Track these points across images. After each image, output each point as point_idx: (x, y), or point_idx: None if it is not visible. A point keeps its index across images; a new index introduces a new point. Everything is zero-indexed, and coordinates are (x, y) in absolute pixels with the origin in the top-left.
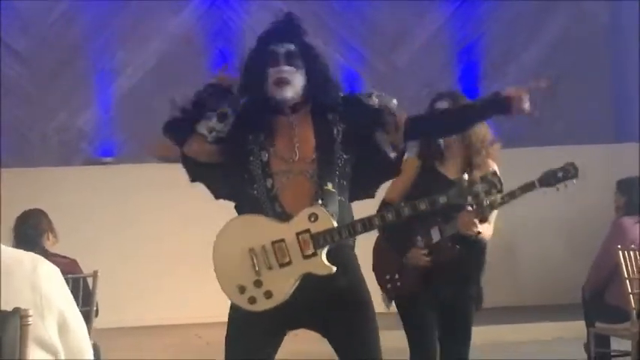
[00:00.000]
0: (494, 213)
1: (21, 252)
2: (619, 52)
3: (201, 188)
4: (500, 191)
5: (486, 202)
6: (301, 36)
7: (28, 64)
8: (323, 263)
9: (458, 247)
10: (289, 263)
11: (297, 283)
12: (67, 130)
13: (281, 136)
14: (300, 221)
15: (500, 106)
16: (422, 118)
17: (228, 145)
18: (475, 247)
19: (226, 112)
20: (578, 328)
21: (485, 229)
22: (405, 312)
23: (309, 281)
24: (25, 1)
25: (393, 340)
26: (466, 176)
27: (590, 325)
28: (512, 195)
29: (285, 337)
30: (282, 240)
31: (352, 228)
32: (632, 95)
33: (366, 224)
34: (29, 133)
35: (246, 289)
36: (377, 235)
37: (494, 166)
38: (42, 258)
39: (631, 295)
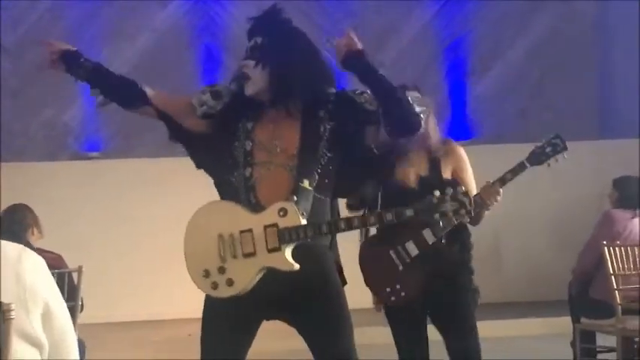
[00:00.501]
0: (471, 173)
1: (5, 243)
2: (605, 50)
3: (189, 182)
4: (469, 212)
5: (455, 220)
6: (278, 28)
7: (14, 60)
8: (285, 259)
9: (455, 244)
10: (253, 254)
11: (259, 275)
12: (53, 125)
13: (267, 128)
14: (270, 214)
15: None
16: None
17: (216, 124)
18: (461, 234)
19: (221, 91)
20: (563, 324)
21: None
22: (399, 323)
23: (279, 273)
24: None
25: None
26: (437, 193)
27: (575, 321)
28: (503, 180)
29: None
30: (250, 230)
31: (318, 228)
32: (617, 93)
33: (332, 226)
34: (15, 128)
35: (210, 274)
36: (359, 245)
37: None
38: (26, 249)
39: (616, 291)
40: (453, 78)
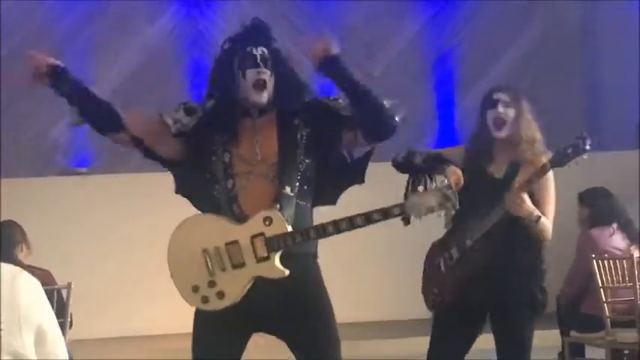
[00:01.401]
0: (551, 194)
1: (1, 265)
2: (594, 59)
3: (178, 197)
4: (454, 205)
5: (440, 214)
6: (271, 40)
7: (2, 74)
8: (275, 267)
9: (492, 248)
10: (243, 265)
11: (249, 285)
12: (41, 141)
13: (244, 138)
14: (255, 224)
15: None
16: None
17: (190, 141)
18: (530, 244)
19: (194, 107)
20: (552, 336)
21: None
22: (434, 324)
23: (268, 286)
24: (0, 10)
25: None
26: (421, 189)
27: (564, 333)
28: (530, 182)
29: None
30: (236, 242)
31: (306, 234)
32: (605, 103)
33: (320, 231)
34: (3, 143)
35: (200, 289)
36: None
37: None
38: (22, 270)
39: (605, 304)
40: (442, 89)
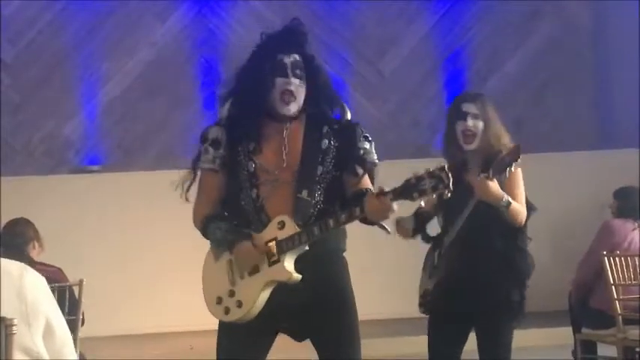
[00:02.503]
0: (516, 181)
1: (7, 261)
2: (603, 60)
3: (189, 196)
4: (447, 186)
5: (434, 196)
6: (305, 46)
7: (14, 73)
8: (284, 269)
9: (466, 250)
10: (257, 271)
11: (265, 292)
12: (53, 139)
13: (271, 145)
14: (270, 229)
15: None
16: None
17: (228, 162)
18: (506, 235)
19: (217, 138)
20: (564, 334)
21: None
22: (428, 328)
23: (292, 285)
24: (11, 10)
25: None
26: (411, 174)
27: (577, 331)
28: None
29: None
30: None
31: (311, 232)
32: (615, 102)
33: (322, 227)
34: (15, 142)
35: (222, 300)
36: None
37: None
38: (28, 267)
39: (616, 301)
40: (452, 89)
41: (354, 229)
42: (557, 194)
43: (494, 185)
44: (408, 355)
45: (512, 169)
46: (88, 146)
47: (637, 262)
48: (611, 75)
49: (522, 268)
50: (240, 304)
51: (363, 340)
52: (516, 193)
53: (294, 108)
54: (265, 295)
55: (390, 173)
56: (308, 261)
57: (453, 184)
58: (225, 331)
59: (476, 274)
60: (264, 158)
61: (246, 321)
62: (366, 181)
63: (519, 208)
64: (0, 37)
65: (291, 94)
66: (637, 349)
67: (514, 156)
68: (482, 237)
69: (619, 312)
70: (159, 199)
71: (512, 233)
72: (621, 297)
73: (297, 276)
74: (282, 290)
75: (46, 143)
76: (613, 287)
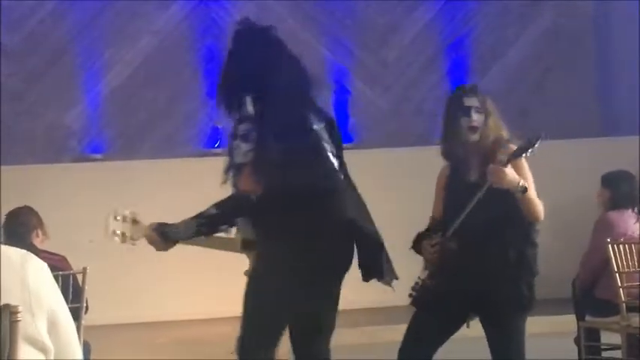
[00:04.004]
0: (527, 174)
1: (9, 248)
2: (606, 47)
3: (191, 183)
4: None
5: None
6: None
7: (16, 62)
8: None
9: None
10: None
11: None
12: (55, 128)
13: None
14: None
15: None
16: None
17: None
18: (517, 224)
19: (246, 133)
20: (568, 322)
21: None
22: (413, 312)
23: None
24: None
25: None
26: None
27: (580, 318)
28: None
29: None
30: None
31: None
32: (618, 89)
33: None
34: (17, 131)
35: None
36: None
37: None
38: (30, 254)
39: (621, 289)
40: (454, 77)
41: None
42: (560, 181)
43: (509, 171)
44: None
45: (528, 154)
46: (90, 135)
47: None
48: (613, 62)
49: (531, 263)
50: None
51: (374, 327)
52: (529, 187)
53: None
54: None
55: (392, 161)
56: None
57: (457, 182)
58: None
59: (476, 269)
60: None
61: None
62: None
63: (536, 199)
64: (1, 26)
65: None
66: (639, 337)
67: (530, 143)
68: (489, 231)
69: (623, 299)
70: (161, 186)
71: (522, 227)
72: (625, 284)
73: None
74: None
75: (48, 132)
76: (617, 275)
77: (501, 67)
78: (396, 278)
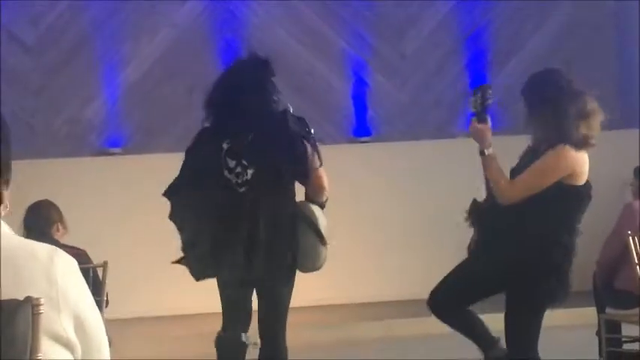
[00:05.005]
0: (538, 165)
1: (34, 243)
2: (626, 39)
3: None
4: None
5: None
6: None
7: (36, 56)
8: None
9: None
10: None
11: None
12: (75, 122)
13: None
14: None
15: None
16: None
17: None
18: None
19: None
20: (589, 314)
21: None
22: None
23: None
24: None
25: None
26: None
27: (601, 311)
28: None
29: None
30: None
31: None
32: (638, 81)
33: None
34: (37, 124)
35: None
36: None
37: None
38: (58, 249)
39: None
40: (474, 68)
41: (367, 212)
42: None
43: (482, 127)
44: (432, 335)
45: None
46: (109, 129)
47: None
48: (634, 54)
49: (555, 257)
50: None
51: (386, 321)
52: (522, 177)
53: None
54: None
55: (412, 153)
56: None
57: None
58: None
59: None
60: None
61: None
62: None
63: (499, 174)
64: (20, 21)
65: None
66: None
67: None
68: (517, 216)
69: None
70: None
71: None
72: None
73: None
74: None
75: (67, 126)
76: (638, 267)
77: (521, 59)
78: None
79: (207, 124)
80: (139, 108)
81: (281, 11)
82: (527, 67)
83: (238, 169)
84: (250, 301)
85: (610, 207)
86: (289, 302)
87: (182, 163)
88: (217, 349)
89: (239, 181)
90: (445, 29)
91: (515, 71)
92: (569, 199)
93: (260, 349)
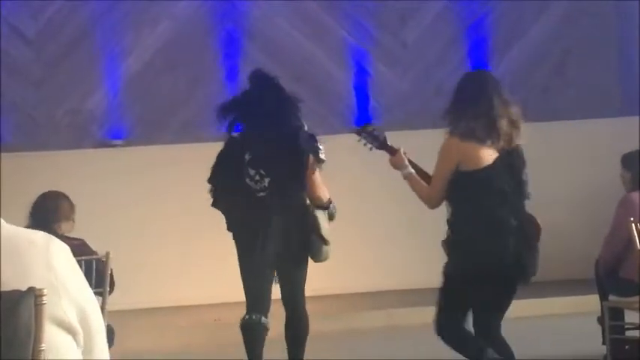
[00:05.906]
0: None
1: (30, 231)
2: (627, 27)
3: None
4: None
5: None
6: None
7: (37, 47)
8: None
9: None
10: None
11: None
12: (76, 113)
13: None
14: None
15: None
16: None
17: None
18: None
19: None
20: (591, 302)
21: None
22: None
23: None
24: None
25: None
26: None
27: (603, 298)
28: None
29: None
30: None
31: None
32: (638, 69)
33: None
34: (39, 116)
35: None
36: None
37: None
38: (52, 236)
39: None
40: (476, 57)
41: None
42: (581, 161)
43: (394, 159)
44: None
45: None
46: (111, 120)
47: None
48: (635, 41)
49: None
50: None
51: (387, 310)
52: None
53: None
54: None
55: (413, 142)
56: None
57: None
58: None
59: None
60: None
61: None
62: None
63: (420, 186)
64: (21, 13)
65: None
66: None
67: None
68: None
69: None
70: (182, 171)
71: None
72: None
73: None
74: None
75: (69, 118)
76: None
77: (522, 47)
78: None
79: (233, 134)
80: (140, 100)
81: (282, 1)
82: (529, 56)
83: (257, 177)
84: (270, 290)
85: (612, 194)
86: (305, 279)
87: (214, 164)
88: (243, 332)
89: (258, 187)
90: (446, 18)
91: (516, 60)
92: (468, 184)
93: (286, 317)
